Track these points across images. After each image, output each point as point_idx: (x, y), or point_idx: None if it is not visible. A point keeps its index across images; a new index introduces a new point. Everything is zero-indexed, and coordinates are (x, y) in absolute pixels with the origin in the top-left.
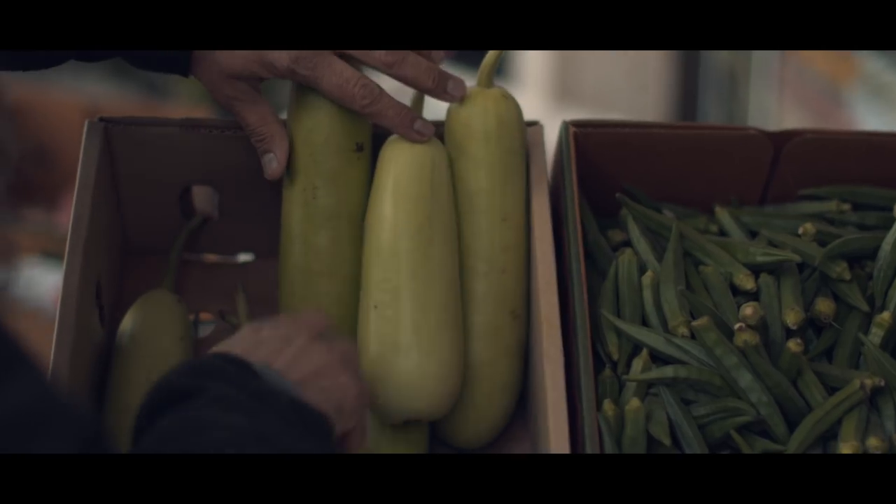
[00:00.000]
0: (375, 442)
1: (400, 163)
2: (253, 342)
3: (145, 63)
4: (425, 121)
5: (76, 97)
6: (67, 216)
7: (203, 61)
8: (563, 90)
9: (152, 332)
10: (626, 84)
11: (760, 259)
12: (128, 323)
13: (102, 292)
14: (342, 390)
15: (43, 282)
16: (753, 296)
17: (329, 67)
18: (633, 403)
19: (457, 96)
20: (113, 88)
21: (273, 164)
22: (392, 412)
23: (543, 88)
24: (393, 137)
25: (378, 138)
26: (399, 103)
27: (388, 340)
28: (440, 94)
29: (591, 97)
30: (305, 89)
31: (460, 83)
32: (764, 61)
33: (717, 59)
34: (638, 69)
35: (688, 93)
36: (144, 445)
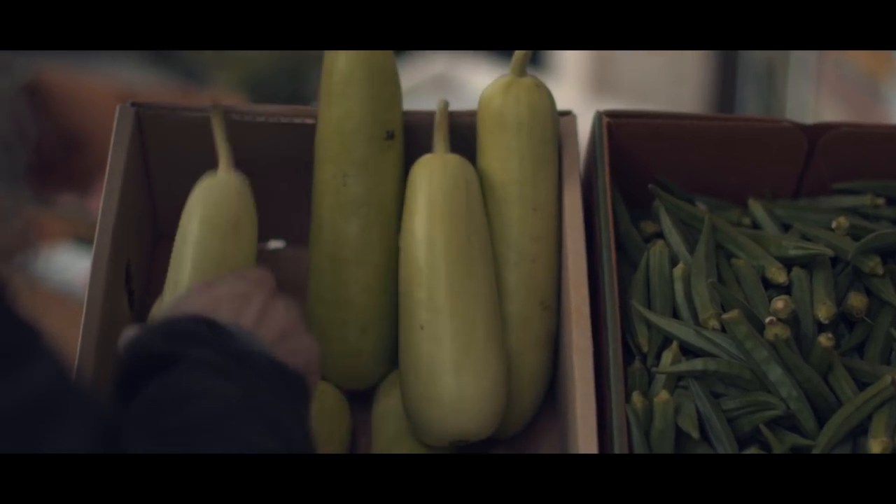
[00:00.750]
0: (403, 436)
1: (434, 183)
2: (210, 300)
3: None
4: None
5: (113, 83)
6: (100, 202)
7: None
8: (600, 82)
9: None
10: (664, 76)
11: (793, 252)
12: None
13: (132, 277)
14: (308, 352)
15: (75, 267)
16: (785, 289)
17: None
18: (662, 396)
19: None
20: (150, 75)
21: None
22: (442, 433)
23: (581, 80)
24: (423, 157)
25: (409, 127)
26: None
27: (438, 361)
28: None
29: (629, 89)
30: (336, 77)
31: None
32: (802, 56)
33: (756, 53)
34: (676, 62)
35: (725, 86)
36: (133, 414)
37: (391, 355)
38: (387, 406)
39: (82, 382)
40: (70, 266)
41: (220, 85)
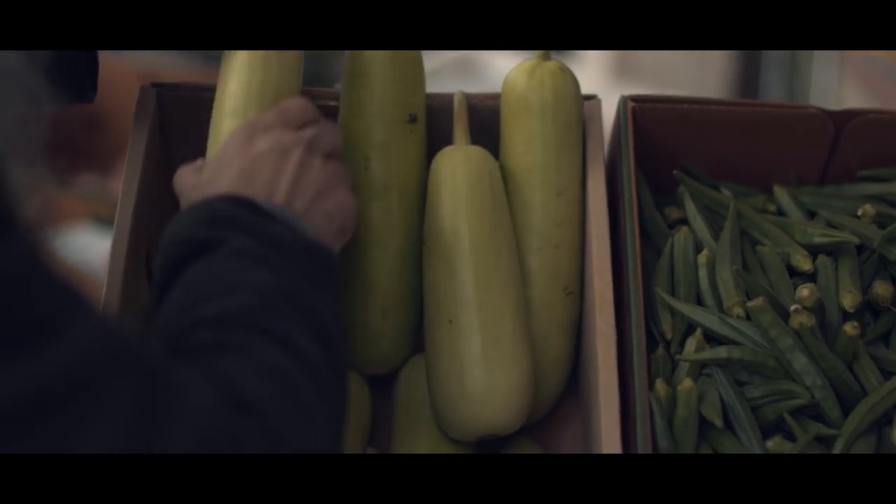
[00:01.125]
0: (424, 421)
1: (458, 176)
2: (250, 161)
3: None
4: None
5: (134, 63)
6: (120, 182)
7: None
8: (622, 65)
9: None
10: (687, 60)
11: (818, 240)
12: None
13: (153, 258)
14: (343, 210)
15: (94, 247)
16: (810, 277)
17: None
18: (686, 384)
19: None
20: (171, 55)
21: None
22: (473, 428)
23: (603, 63)
24: (445, 150)
25: (432, 110)
26: None
27: (468, 355)
28: None
29: (652, 72)
30: (359, 60)
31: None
32: None
33: None
34: None
35: (749, 70)
36: (171, 303)
37: (412, 340)
38: (408, 391)
39: (125, 331)
40: (89, 246)
41: None
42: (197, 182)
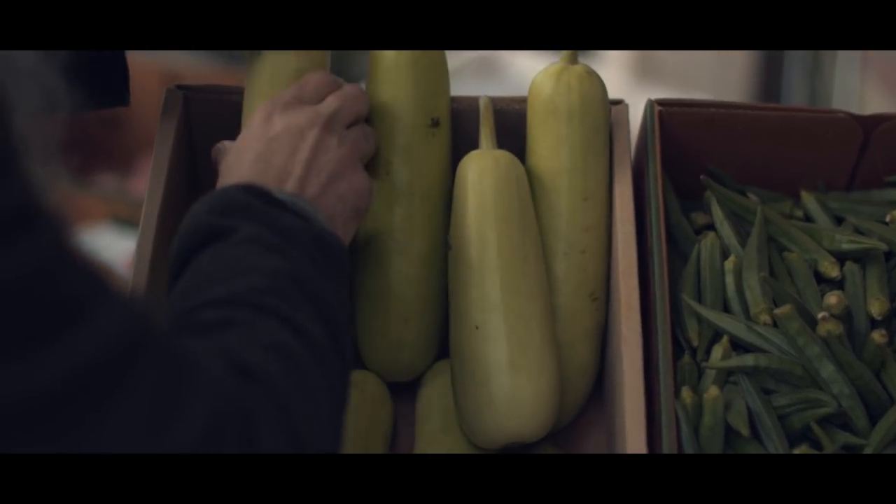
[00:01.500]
0: (447, 429)
1: (486, 181)
2: (266, 144)
3: None
4: None
5: (154, 62)
6: (141, 181)
7: None
8: (644, 65)
9: None
10: (710, 60)
11: (846, 247)
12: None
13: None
14: (356, 192)
15: (115, 248)
16: (838, 284)
17: None
18: (712, 391)
19: None
20: (193, 53)
21: None
22: (498, 436)
23: (625, 63)
24: (471, 154)
25: (457, 113)
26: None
27: (494, 361)
28: None
29: (674, 73)
30: (381, 63)
31: None
32: None
33: None
34: None
35: (772, 70)
36: (184, 283)
37: (433, 347)
38: (431, 398)
39: (147, 313)
40: (109, 246)
41: None
42: (224, 167)
